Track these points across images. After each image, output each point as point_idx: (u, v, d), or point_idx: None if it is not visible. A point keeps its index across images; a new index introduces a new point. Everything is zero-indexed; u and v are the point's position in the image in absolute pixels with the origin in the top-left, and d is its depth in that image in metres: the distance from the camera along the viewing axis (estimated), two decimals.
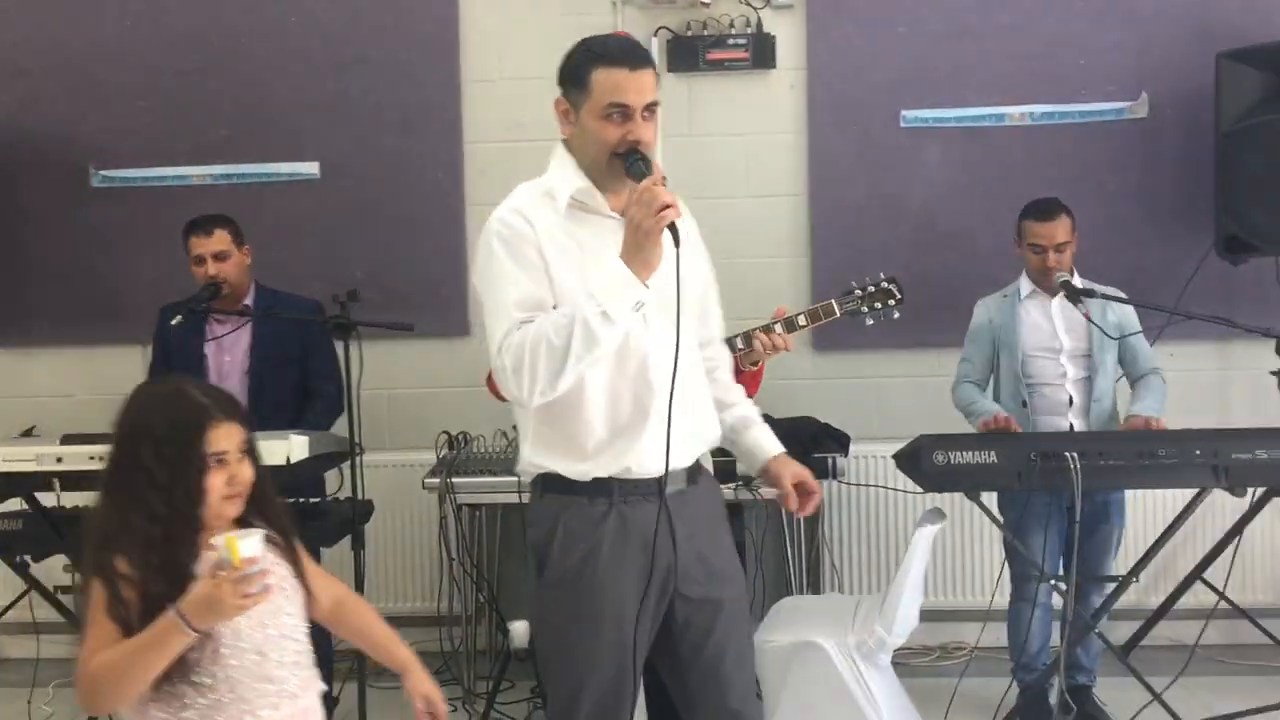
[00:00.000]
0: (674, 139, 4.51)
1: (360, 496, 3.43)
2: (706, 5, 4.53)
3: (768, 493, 3.67)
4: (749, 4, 4.56)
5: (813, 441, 3.99)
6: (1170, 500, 4.25)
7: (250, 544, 1.86)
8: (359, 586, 3.45)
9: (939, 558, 4.50)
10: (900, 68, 4.54)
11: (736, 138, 4.55)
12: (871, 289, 3.39)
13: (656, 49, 4.56)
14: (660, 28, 4.58)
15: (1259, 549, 4.40)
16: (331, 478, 3.81)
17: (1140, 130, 4.51)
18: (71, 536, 3.33)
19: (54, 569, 3.51)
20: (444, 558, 4.05)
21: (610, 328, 2.13)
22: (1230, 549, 3.93)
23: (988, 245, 4.53)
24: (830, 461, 3.97)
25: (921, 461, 3.29)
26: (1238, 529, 3.88)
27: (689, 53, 4.54)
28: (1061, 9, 4.50)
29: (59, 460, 3.23)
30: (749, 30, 4.56)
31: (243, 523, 2.02)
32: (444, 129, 4.64)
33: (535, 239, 2.25)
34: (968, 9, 4.52)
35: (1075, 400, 3.69)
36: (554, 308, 2.23)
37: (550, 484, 2.37)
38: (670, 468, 2.25)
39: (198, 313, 3.66)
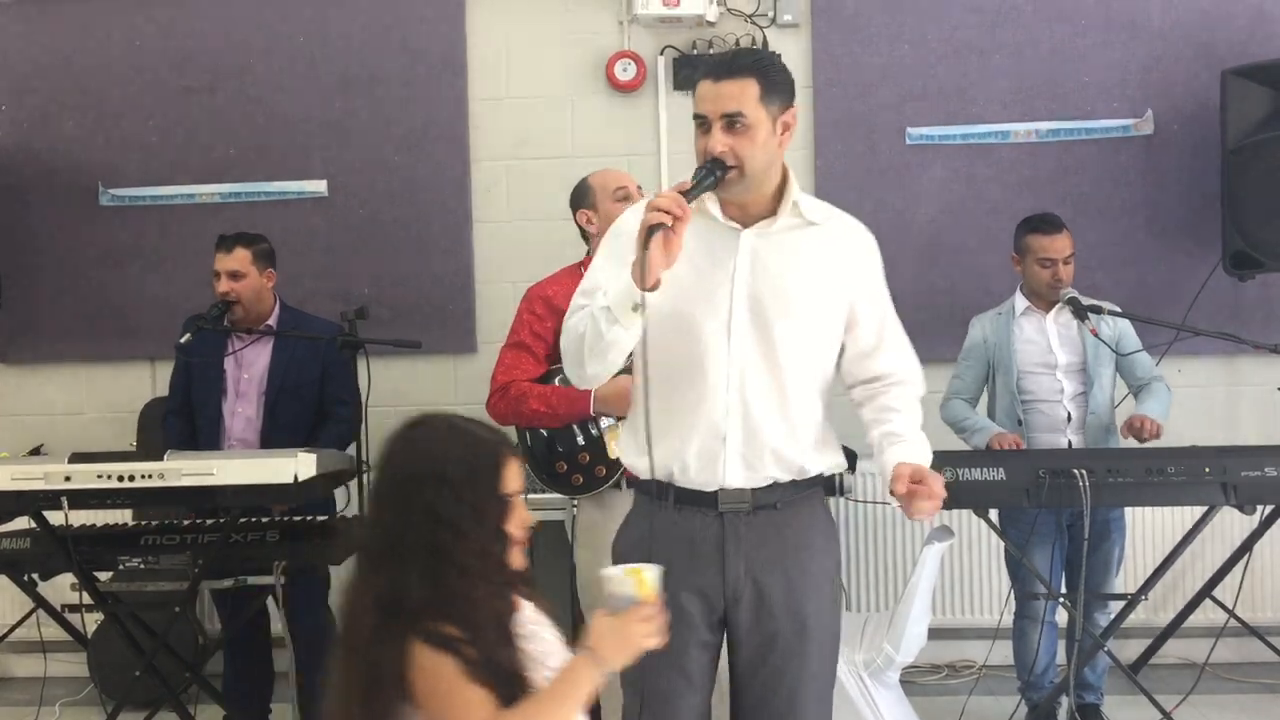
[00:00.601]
0: (679, 157, 4.53)
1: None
2: (712, 24, 4.55)
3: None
4: (754, 23, 4.58)
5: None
6: (1179, 518, 4.23)
7: (654, 576, 1.73)
8: None
9: (947, 576, 4.48)
10: (905, 85, 4.55)
11: None
12: None
13: (662, 68, 4.58)
14: (666, 47, 4.60)
15: (1268, 566, 4.38)
16: (339, 495, 3.81)
17: (1146, 147, 4.51)
18: (79, 555, 3.33)
19: (61, 587, 3.51)
20: None
21: (614, 326, 2.17)
22: (1239, 566, 3.91)
23: (993, 262, 4.52)
24: (837, 478, 3.95)
25: None
26: (1247, 546, 3.86)
27: (695, 71, 4.54)
28: (1067, 26, 4.51)
29: (67, 479, 3.22)
30: (755, 49, 4.57)
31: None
32: (451, 147, 4.66)
33: (633, 235, 2.21)
34: (972, 27, 4.53)
35: (1073, 416, 3.68)
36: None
37: (631, 478, 2.50)
38: (729, 484, 2.26)
39: (204, 330, 3.66)
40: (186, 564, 3.35)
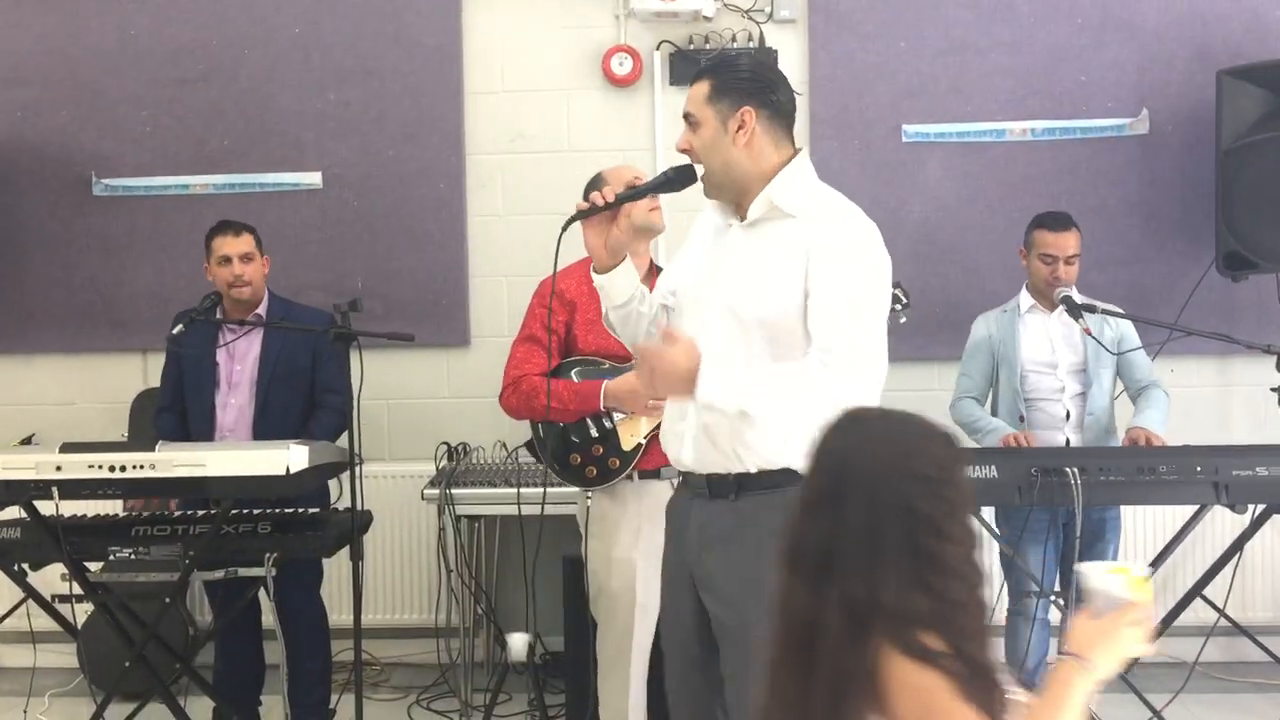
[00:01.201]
0: (676, 152, 4.51)
1: (359, 507, 3.42)
2: (709, 20, 4.54)
3: None
4: (751, 19, 4.58)
5: None
6: (1170, 516, 4.24)
7: (1145, 575, 1.64)
8: (357, 598, 3.44)
9: None
10: (902, 83, 4.55)
11: None
12: None
13: (659, 63, 4.58)
14: (663, 42, 4.59)
15: (1259, 566, 4.40)
16: (330, 488, 3.81)
17: (1141, 147, 4.52)
18: (69, 545, 3.32)
19: (51, 578, 3.50)
20: (442, 569, 4.04)
21: (607, 311, 2.51)
22: (1230, 566, 3.92)
23: (988, 260, 4.53)
24: None
25: None
26: (1238, 546, 3.87)
27: (691, 66, 4.53)
28: (1063, 25, 4.51)
29: (58, 469, 3.22)
30: (751, 44, 4.57)
31: None
32: (446, 140, 4.65)
33: (691, 233, 2.57)
34: (969, 25, 4.54)
35: (1071, 415, 3.69)
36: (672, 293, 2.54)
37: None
38: (691, 468, 2.40)
39: (197, 322, 3.65)
40: (177, 555, 3.35)
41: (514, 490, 3.84)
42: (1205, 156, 4.35)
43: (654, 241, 3.41)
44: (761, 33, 4.57)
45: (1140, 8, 4.50)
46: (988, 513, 3.82)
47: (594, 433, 3.10)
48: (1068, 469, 3.22)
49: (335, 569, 3.94)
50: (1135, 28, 4.50)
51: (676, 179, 2.42)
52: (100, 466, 3.21)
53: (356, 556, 3.42)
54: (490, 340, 4.67)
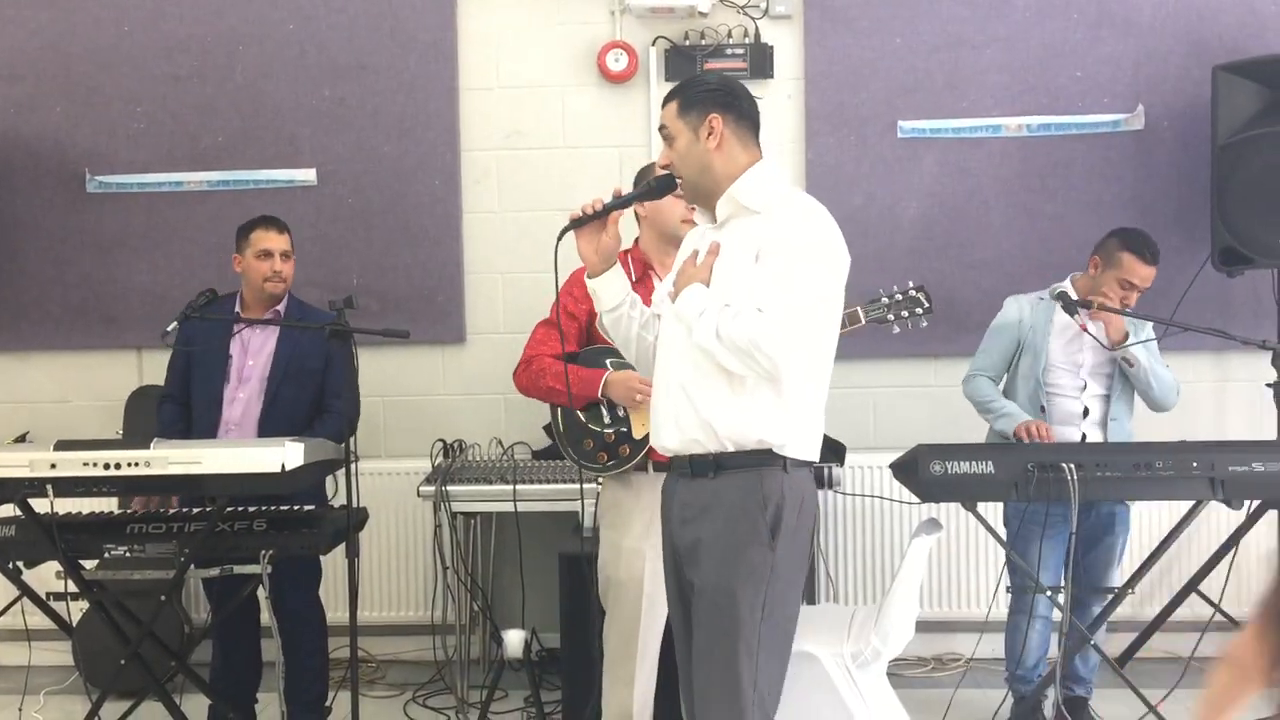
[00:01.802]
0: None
1: (355, 504, 3.42)
2: (704, 15, 4.54)
3: None
4: (747, 14, 4.57)
5: None
6: (1167, 512, 4.25)
7: None
8: (353, 595, 3.43)
9: (935, 569, 4.49)
10: (897, 78, 4.55)
11: None
12: (899, 297, 3.35)
13: (654, 59, 4.57)
14: (658, 37, 4.59)
15: (1254, 561, 4.39)
16: (327, 485, 3.80)
17: (1136, 142, 4.52)
18: (64, 543, 3.31)
19: (46, 576, 3.49)
20: (438, 566, 4.04)
21: (600, 315, 2.71)
22: (1226, 561, 3.92)
23: (984, 256, 4.54)
24: (826, 471, 3.96)
25: (918, 471, 3.29)
26: (1233, 541, 3.87)
27: (687, 62, 4.54)
28: (1058, 21, 4.51)
29: (52, 466, 3.21)
30: (747, 40, 4.57)
31: None
32: (441, 136, 4.64)
33: (684, 245, 2.75)
34: (964, 21, 4.53)
35: (1090, 412, 3.68)
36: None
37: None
38: (676, 451, 2.55)
39: (195, 318, 3.64)
40: (173, 553, 3.34)
41: (510, 487, 3.84)
42: (1201, 152, 4.35)
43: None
44: (757, 28, 4.57)
45: (1136, 3, 4.50)
46: (996, 508, 3.82)
47: (607, 419, 3.14)
48: (1064, 465, 3.22)
49: (331, 566, 3.93)
50: (1131, 23, 4.50)
51: (658, 187, 2.63)
52: (95, 464, 3.20)
53: (352, 554, 3.42)
54: (486, 337, 4.67)
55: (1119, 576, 3.76)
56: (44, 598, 3.56)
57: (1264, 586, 1.61)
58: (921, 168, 4.56)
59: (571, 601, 3.57)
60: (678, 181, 2.60)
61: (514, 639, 3.69)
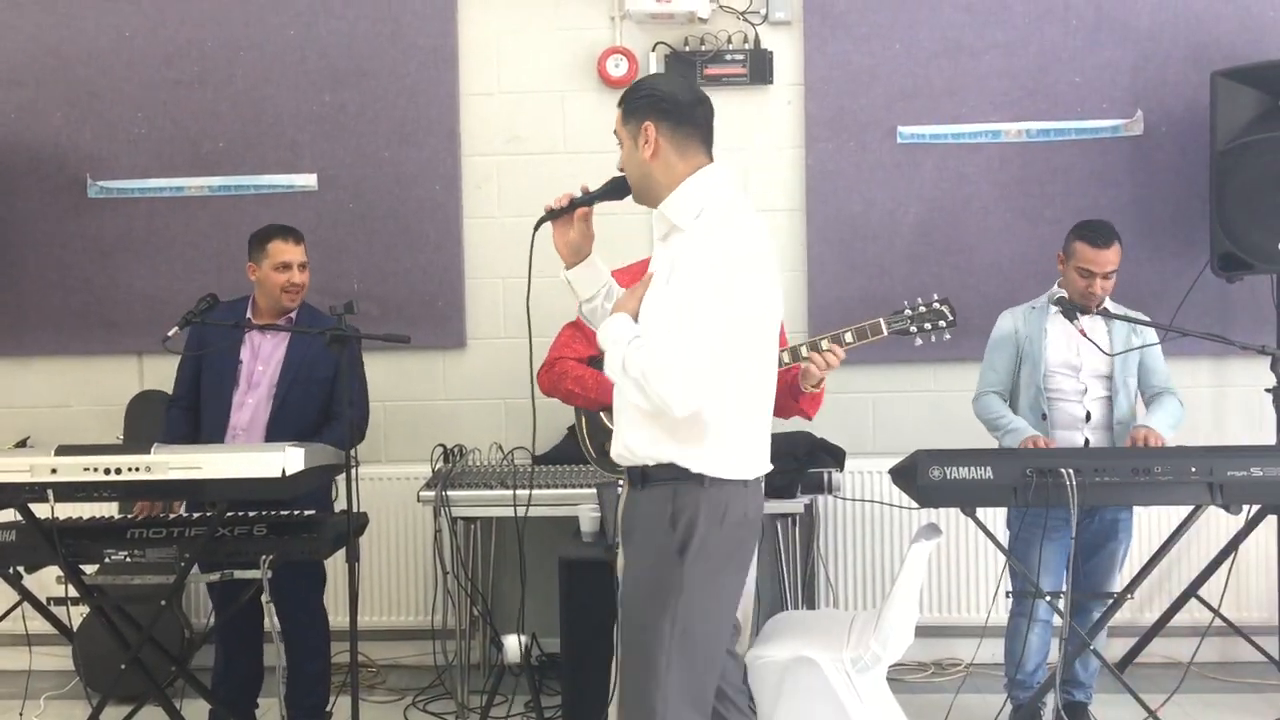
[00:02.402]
0: None
1: (355, 509, 3.42)
2: (704, 21, 4.55)
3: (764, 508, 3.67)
4: (747, 20, 4.58)
5: (808, 456, 3.99)
6: (1166, 517, 4.25)
7: None
8: (353, 600, 3.43)
9: (934, 574, 4.50)
10: (897, 84, 4.56)
11: (733, 153, 4.56)
12: (923, 309, 3.34)
13: (654, 64, 4.58)
14: (658, 43, 4.60)
15: (1254, 566, 4.40)
16: (330, 489, 3.81)
17: (1135, 148, 4.53)
18: (65, 548, 3.32)
19: (46, 581, 3.49)
20: (438, 571, 4.04)
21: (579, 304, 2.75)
22: (1225, 566, 3.93)
23: (984, 261, 4.54)
24: (826, 476, 3.97)
25: (917, 477, 3.29)
26: (1233, 546, 3.89)
27: (687, 68, 4.55)
28: (1057, 27, 4.52)
29: (53, 471, 3.21)
30: (747, 46, 4.58)
31: None
32: (442, 141, 4.65)
33: None
34: (963, 26, 4.54)
35: (1093, 416, 3.69)
36: None
37: None
38: (618, 460, 2.61)
39: (193, 323, 3.65)
40: (173, 557, 3.34)
41: (510, 492, 3.84)
42: (1199, 157, 4.36)
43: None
44: (757, 34, 4.58)
45: (1134, 9, 4.51)
46: (999, 513, 3.82)
47: None
48: (1063, 470, 3.22)
49: (332, 571, 3.93)
50: (1130, 29, 4.51)
51: (612, 189, 2.64)
52: (95, 469, 3.21)
53: (352, 558, 3.42)
54: (486, 342, 4.67)
55: (1120, 583, 3.76)
56: (44, 603, 3.56)
57: None
58: (921, 173, 4.57)
59: (571, 606, 3.58)
60: (629, 187, 2.60)
61: (514, 644, 3.69)
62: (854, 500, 4.47)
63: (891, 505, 4.42)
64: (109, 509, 3.77)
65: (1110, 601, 3.58)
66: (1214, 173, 4.21)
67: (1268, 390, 4.12)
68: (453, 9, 4.64)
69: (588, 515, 3.72)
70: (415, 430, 4.64)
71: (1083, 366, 3.70)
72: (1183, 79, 4.47)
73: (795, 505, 3.93)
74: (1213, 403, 4.59)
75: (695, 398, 2.37)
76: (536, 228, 2.63)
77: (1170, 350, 4.03)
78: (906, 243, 4.57)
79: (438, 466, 4.13)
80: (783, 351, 3.24)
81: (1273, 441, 4.24)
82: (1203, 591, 4.09)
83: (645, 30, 4.60)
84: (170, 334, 3.62)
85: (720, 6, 4.57)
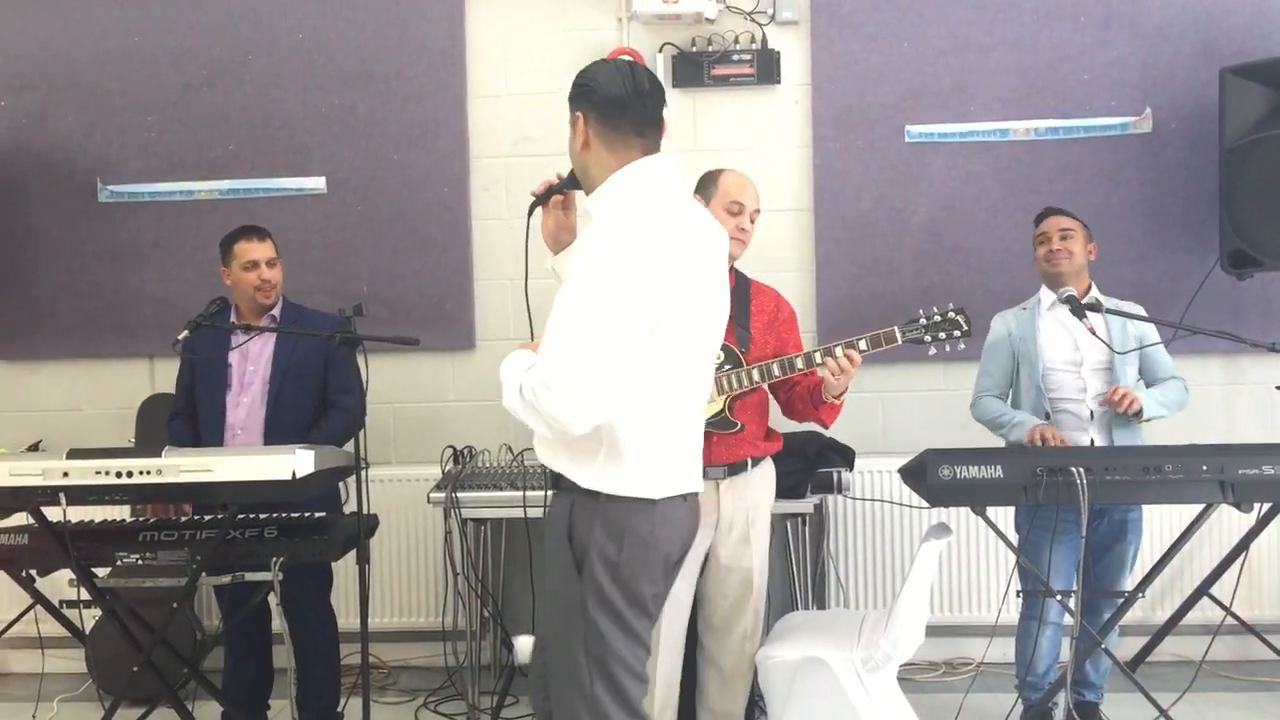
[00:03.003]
0: (678, 154, 4.50)
1: (365, 511, 3.43)
2: (711, 21, 4.54)
3: (773, 507, 3.68)
4: (754, 20, 4.58)
5: (818, 456, 3.99)
6: (1177, 515, 4.24)
7: None
8: (364, 601, 3.44)
9: (945, 573, 4.49)
10: (905, 83, 4.55)
11: (741, 153, 4.56)
12: (938, 318, 3.34)
13: (662, 65, 4.58)
14: (666, 43, 4.60)
15: (1266, 564, 4.39)
16: (340, 491, 3.82)
17: (1144, 145, 4.52)
18: (77, 551, 3.33)
19: (59, 583, 3.51)
20: (449, 572, 4.05)
21: None
22: (1237, 564, 3.91)
23: (993, 260, 4.53)
24: (835, 476, 3.96)
25: (927, 476, 3.28)
26: (1244, 544, 3.86)
27: (694, 68, 4.55)
28: (1065, 24, 4.51)
29: (65, 475, 3.23)
30: (754, 46, 4.58)
31: None
32: (450, 144, 4.66)
33: None
34: (971, 24, 4.54)
35: (1096, 415, 3.68)
36: None
37: None
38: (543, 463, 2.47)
39: (204, 327, 3.67)
40: (185, 560, 3.36)
41: (520, 493, 3.84)
42: (1209, 154, 4.35)
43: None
44: (764, 34, 4.58)
45: (1143, 5, 4.49)
46: (1008, 514, 3.81)
47: None
48: (1073, 469, 3.22)
49: (342, 573, 3.94)
50: (1138, 25, 4.50)
51: (570, 180, 2.57)
52: (107, 472, 3.22)
53: (363, 560, 3.43)
54: (495, 344, 4.68)
55: (1130, 583, 3.75)
56: (57, 605, 3.58)
57: None
58: (929, 172, 4.56)
59: None
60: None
61: (524, 644, 3.68)
62: (864, 500, 4.47)
63: (901, 505, 4.41)
64: (121, 512, 3.79)
65: (1121, 600, 3.56)
66: (1224, 169, 4.19)
67: (1278, 388, 4.10)
68: (460, 12, 4.65)
69: None
70: (425, 432, 4.65)
71: (1083, 361, 3.69)
72: (1192, 75, 4.46)
73: (805, 505, 3.93)
74: (1225, 400, 4.57)
75: (592, 412, 2.19)
76: (530, 214, 2.64)
77: (1181, 348, 4.02)
78: (915, 242, 4.56)
79: (448, 468, 4.14)
80: (796, 358, 3.24)
81: None
82: (1215, 589, 4.07)
83: (652, 31, 4.60)
84: (180, 337, 3.64)
85: (727, 7, 4.57)
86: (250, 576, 3.41)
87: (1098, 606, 3.66)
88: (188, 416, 3.83)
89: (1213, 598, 4.03)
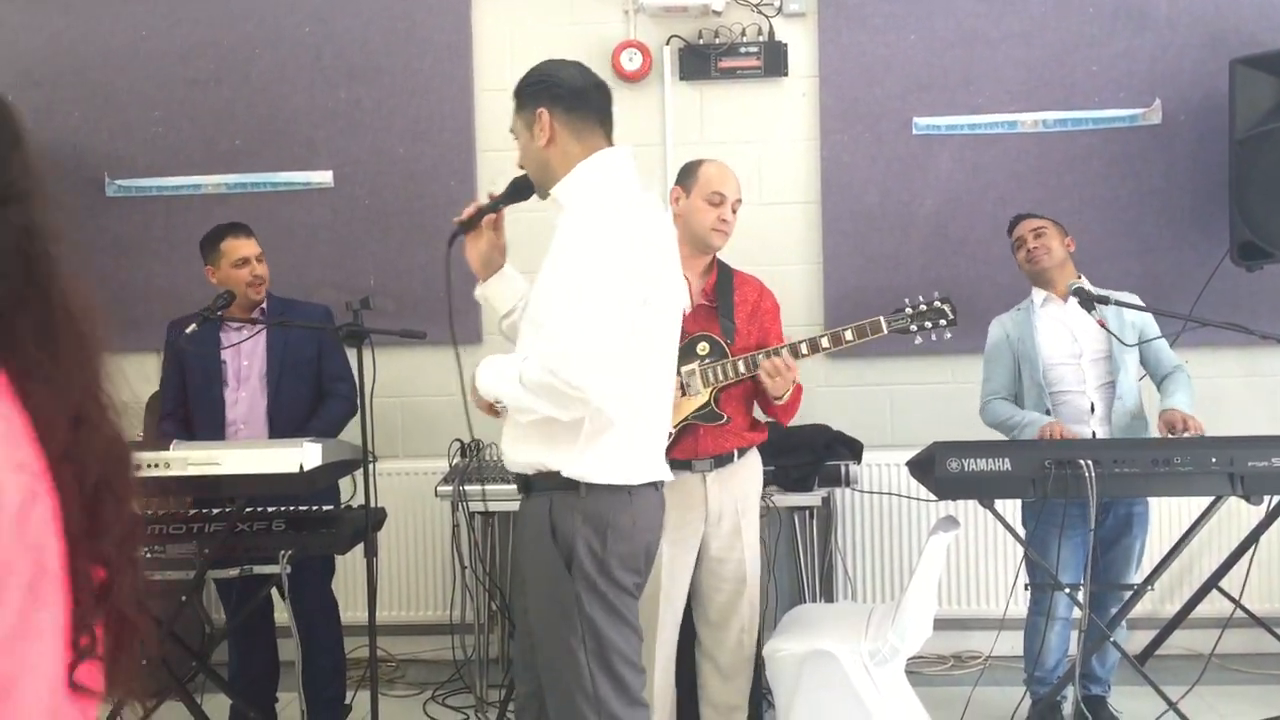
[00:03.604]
0: (686, 147, 4.51)
1: (373, 504, 3.43)
2: (718, 14, 4.54)
3: (780, 500, 3.67)
4: (761, 12, 4.57)
5: (826, 449, 3.99)
6: (1186, 508, 4.23)
7: None
8: (371, 595, 3.45)
9: (953, 566, 4.48)
10: (912, 75, 4.54)
11: (748, 145, 4.55)
12: (923, 307, 3.34)
13: (669, 58, 4.57)
14: (672, 36, 4.59)
15: (1275, 557, 4.38)
16: (344, 485, 3.82)
17: (1154, 137, 4.50)
18: None
19: None
20: (456, 566, 4.05)
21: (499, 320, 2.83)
22: (1246, 557, 3.90)
23: (1000, 253, 4.50)
24: (843, 469, 3.96)
25: (935, 469, 3.28)
26: (1254, 537, 3.85)
27: (701, 61, 4.55)
28: (1074, 16, 4.49)
29: None
30: (761, 38, 4.57)
31: None
32: (457, 137, 4.65)
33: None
34: (979, 16, 4.52)
35: (1097, 408, 3.67)
36: None
37: None
38: (510, 467, 2.53)
39: (211, 320, 3.67)
40: (192, 553, 3.36)
41: None
42: (1219, 146, 4.33)
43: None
44: (771, 26, 4.57)
45: None
46: (1015, 507, 3.81)
47: None
48: (1081, 461, 3.21)
49: (349, 566, 3.95)
50: (1147, 17, 4.48)
51: (512, 191, 2.63)
52: None
53: (371, 553, 3.44)
54: (502, 338, 4.66)
55: (1138, 576, 3.74)
56: None
57: None
58: (937, 164, 4.55)
59: None
60: (533, 184, 2.56)
61: None
62: (871, 493, 4.46)
63: (909, 498, 4.41)
64: None
65: (1129, 594, 3.56)
66: (1233, 161, 4.17)
67: None
68: (466, 5, 4.64)
69: None
70: (432, 425, 4.65)
71: (1083, 352, 3.69)
72: (1201, 67, 4.43)
73: (813, 498, 3.93)
74: (1236, 393, 4.55)
75: (608, 381, 2.27)
76: (450, 243, 2.63)
77: (1193, 340, 4.01)
78: (922, 234, 4.55)
79: (455, 461, 4.14)
80: (782, 349, 3.23)
81: None
82: (1224, 582, 4.06)
83: (659, 23, 4.59)
84: (189, 330, 3.64)
85: None
86: (258, 570, 3.41)
87: (1105, 602, 3.65)
88: (180, 418, 3.82)
89: (1222, 591, 4.02)
